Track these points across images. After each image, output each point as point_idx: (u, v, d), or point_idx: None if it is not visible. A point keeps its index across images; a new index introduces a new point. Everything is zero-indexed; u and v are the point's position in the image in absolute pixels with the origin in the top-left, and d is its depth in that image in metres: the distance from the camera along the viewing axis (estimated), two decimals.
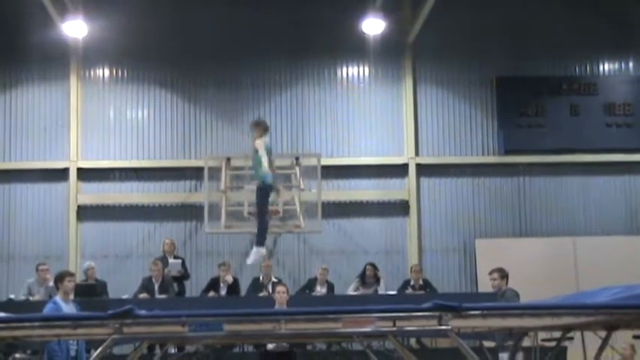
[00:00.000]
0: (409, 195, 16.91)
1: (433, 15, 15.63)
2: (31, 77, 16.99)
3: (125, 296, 13.63)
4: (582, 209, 17.08)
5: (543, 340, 11.13)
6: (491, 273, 11.07)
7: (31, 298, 12.97)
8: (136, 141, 16.95)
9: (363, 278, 14.59)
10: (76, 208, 16.57)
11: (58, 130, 16.88)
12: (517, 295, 10.76)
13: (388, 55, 17.13)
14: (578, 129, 17.12)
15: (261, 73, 17.15)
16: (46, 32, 16.29)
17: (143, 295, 13.41)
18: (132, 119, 17.01)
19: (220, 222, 15.57)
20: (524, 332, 9.26)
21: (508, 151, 17.07)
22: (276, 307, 11.55)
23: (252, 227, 15.48)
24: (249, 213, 15.32)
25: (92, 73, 17.11)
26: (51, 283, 11.89)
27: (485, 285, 12.77)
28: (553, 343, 9.27)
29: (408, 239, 16.84)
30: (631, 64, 17.71)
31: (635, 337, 12.07)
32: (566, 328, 7.21)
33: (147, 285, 13.69)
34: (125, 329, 5.43)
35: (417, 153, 17.04)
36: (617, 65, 17.71)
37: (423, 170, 17.06)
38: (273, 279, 14.08)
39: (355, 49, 16.90)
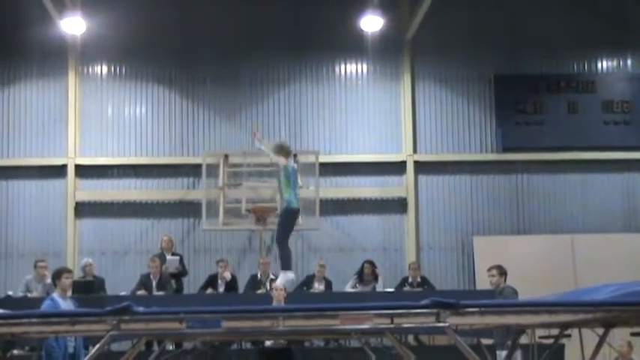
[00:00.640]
0: (407, 192, 16.91)
1: (431, 12, 15.62)
2: (30, 74, 16.97)
3: (123, 293, 13.63)
4: (580, 207, 17.09)
5: (541, 337, 11.12)
6: (489, 270, 11.07)
7: (29, 295, 12.96)
8: (134, 138, 16.94)
9: (360, 275, 14.60)
10: (73, 204, 16.56)
11: (56, 126, 16.87)
12: (515, 292, 10.76)
13: (386, 52, 17.13)
14: (577, 127, 17.12)
15: (259, 70, 17.14)
16: (45, 29, 16.28)
17: (141, 292, 13.42)
18: (130, 116, 17.00)
19: (218, 219, 15.59)
20: (521, 330, 9.28)
21: (506, 149, 17.08)
22: (274, 304, 11.55)
23: (249, 224, 15.56)
24: (247, 210, 15.33)
25: (90, 69, 17.10)
26: (49, 280, 11.87)
27: (483, 282, 12.79)
28: (551, 341, 9.27)
29: (405, 236, 16.85)
30: (629, 62, 17.70)
31: (633, 334, 12.07)
32: (564, 326, 7.21)
33: (145, 282, 13.70)
34: (123, 326, 5.43)
35: (415, 150, 17.04)
36: (615, 63, 17.72)
37: (421, 168, 17.06)
38: (271, 276, 14.07)
39: (353, 46, 16.89)
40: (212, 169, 15.99)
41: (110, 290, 14.24)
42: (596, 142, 17.11)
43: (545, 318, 6.17)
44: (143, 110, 17.04)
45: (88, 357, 5.69)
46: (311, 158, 15.93)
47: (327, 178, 16.63)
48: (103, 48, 16.90)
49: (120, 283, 15.00)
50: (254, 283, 14.14)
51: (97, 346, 5.53)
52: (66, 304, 9.18)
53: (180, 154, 16.93)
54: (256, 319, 5.85)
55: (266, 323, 5.84)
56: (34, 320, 5.76)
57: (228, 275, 14.12)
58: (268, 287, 13.55)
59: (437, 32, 17.00)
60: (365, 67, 17.33)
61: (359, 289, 14.40)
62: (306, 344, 12.85)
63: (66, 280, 9.36)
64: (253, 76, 17.15)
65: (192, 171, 16.70)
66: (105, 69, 17.14)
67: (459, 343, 5.40)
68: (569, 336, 9.22)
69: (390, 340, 5.97)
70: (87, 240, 16.55)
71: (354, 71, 17.34)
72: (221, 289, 14.05)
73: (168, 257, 14.50)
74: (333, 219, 16.72)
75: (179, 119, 17.03)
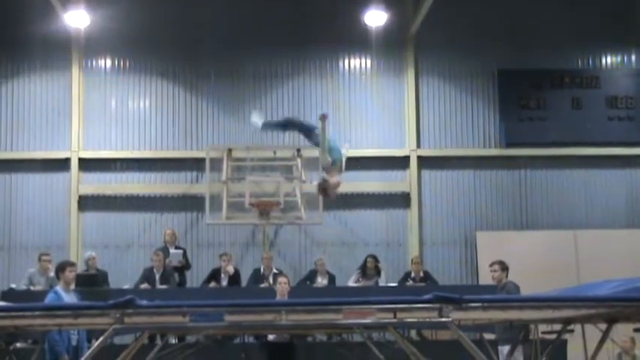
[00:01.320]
0: (410, 187, 16.90)
1: (435, 7, 15.58)
2: (33, 67, 16.97)
3: (126, 286, 13.67)
4: (584, 202, 17.08)
5: (544, 332, 11.13)
6: (491, 265, 11.08)
7: (32, 288, 12.97)
8: (137, 131, 16.95)
9: (363, 270, 14.60)
10: (77, 198, 16.57)
11: (59, 120, 16.87)
12: (517, 287, 10.77)
13: (390, 47, 17.11)
14: (580, 122, 17.09)
15: (263, 64, 17.13)
16: (49, 22, 16.28)
17: (144, 286, 13.43)
18: (133, 109, 17.01)
19: (221, 213, 15.59)
20: (524, 325, 9.28)
21: (509, 144, 17.06)
22: (277, 298, 11.58)
23: (253, 218, 15.57)
24: (251, 204, 15.34)
25: (94, 63, 17.10)
26: (52, 273, 11.90)
27: (486, 277, 12.78)
28: (553, 336, 9.28)
29: (408, 231, 16.85)
30: (633, 58, 17.67)
31: (636, 330, 12.09)
32: (567, 321, 7.22)
33: (148, 275, 13.70)
34: (126, 319, 5.44)
35: (418, 145, 17.03)
36: (619, 58, 17.68)
37: (425, 162, 17.06)
38: (274, 270, 14.11)
39: (357, 41, 16.88)
40: (215, 163, 15.99)
41: (113, 284, 14.25)
42: (600, 137, 17.08)
43: (547, 313, 6.18)
44: (147, 104, 17.04)
45: (91, 350, 5.71)
46: (314, 153, 15.89)
47: None
48: (106, 41, 16.90)
49: (123, 277, 15.02)
50: (257, 277, 14.16)
51: (101, 339, 5.53)
52: (69, 298, 9.18)
53: (183, 148, 16.93)
54: (259, 313, 5.87)
55: (269, 317, 5.85)
56: (37, 313, 5.78)
57: (231, 269, 14.13)
58: (271, 281, 13.57)
59: (441, 27, 16.96)
60: (369, 61, 17.31)
61: (362, 283, 14.41)
62: (309, 338, 12.87)
63: (69, 274, 9.36)
64: (257, 71, 17.13)
65: (195, 165, 16.71)
66: (109, 62, 17.14)
67: (461, 338, 5.40)
68: (571, 331, 9.23)
69: (393, 334, 5.98)
70: (90, 233, 16.56)
71: (357, 66, 17.32)
72: (224, 282, 14.06)
73: (172, 251, 14.52)
74: (336, 213, 16.72)
75: (183, 113, 17.03)
